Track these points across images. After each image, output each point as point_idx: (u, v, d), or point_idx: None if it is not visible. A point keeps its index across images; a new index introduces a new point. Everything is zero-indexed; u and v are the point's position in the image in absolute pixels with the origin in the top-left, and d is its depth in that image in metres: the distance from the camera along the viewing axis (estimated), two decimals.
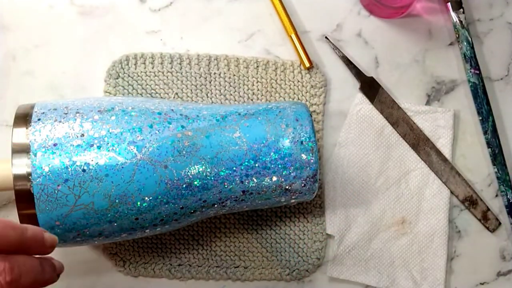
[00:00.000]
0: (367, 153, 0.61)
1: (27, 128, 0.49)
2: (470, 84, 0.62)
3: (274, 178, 0.52)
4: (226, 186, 0.51)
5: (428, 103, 0.63)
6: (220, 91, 0.61)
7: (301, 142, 0.51)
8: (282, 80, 0.61)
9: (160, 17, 0.62)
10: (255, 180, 0.51)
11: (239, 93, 0.61)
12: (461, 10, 0.62)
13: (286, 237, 0.60)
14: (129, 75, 0.61)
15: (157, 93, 0.61)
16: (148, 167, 0.49)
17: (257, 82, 0.61)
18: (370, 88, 0.62)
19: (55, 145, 0.48)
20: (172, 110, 0.52)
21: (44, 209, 0.48)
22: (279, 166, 0.51)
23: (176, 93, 0.61)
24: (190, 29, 0.62)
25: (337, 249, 0.60)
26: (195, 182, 0.50)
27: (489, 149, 0.61)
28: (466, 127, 0.62)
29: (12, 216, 0.59)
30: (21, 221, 0.48)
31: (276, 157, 0.51)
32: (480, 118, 0.61)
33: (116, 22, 0.62)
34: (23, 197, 0.48)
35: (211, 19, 0.62)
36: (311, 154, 0.51)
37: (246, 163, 0.51)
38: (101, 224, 0.49)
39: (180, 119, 0.51)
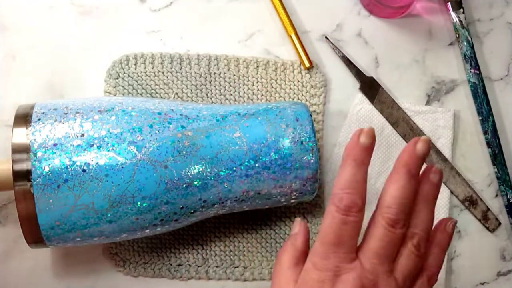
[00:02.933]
0: None
1: (27, 128, 0.49)
2: (470, 84, 0.62)
3: (274, 178, 0.52)
4: (226, 186, 0.51)
5: (428, 103, 0.63)
6: (220, 91, 0.61)
7: (301, 142, 0.51)
8: (282, 80, 0.61)
9: (160, 17, 0.62)
10: (255, 180, 0.51)
11: (239, 93, 0.61)
12: (461, 10, 0.62)
13: (286, 237, 0.60)
14: (129, 75, 0.61)
15: (157, 93, 0.61)
16: (148, 167, 0.49)
17: (257, 82, 0.61)
18: (370, 88, 0.62)
19: (55, 145, 0.48)
20: (172, 110, 0.52)
21: (44, 209, 0.48)
22: (279, 166, 0.51)
23: (176, 93, 0.61)
24: (190, 29, 0.62)
25: None
26: (195, 182, 0.50)
27: (489, 149, 0.61)
28: (466, 127, 0.62)
29: (12, 216, 0.59)
30: (21, 221, 0.48)
31: (276, 157, 0.51)
32: (480, 118, 0.61)
33: (116, 22, 0.62)
34: (23, 197, 0.48)
35: (211, 19, 0.62)
36: (311, 154, 0.51)
37: (246, 163, 0.51)
38: (101, 224, 0.49)
39: (180, 119, 0.51)
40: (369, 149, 0.45)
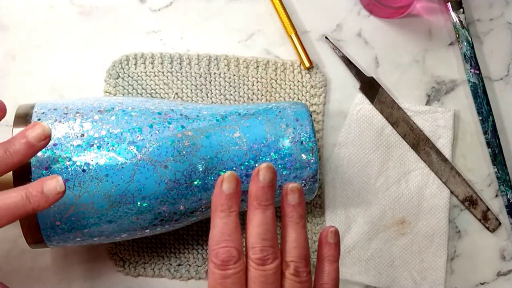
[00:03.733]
0: (367, 153, 0.61)
1: None
2: (470, 84, 0.62)
3: None
4: None
5: (428, 103, 0.63)
6: (220, 91, 0.61)
7: (301, 142, 0.51)
8: (282, 80, 0.61)
9: (160, 17, 0.62)
10: None
11: (239, 93, 0.61)
12: (461, 10, 0.62)
13: None
14: (129, 75, 0.61)
15: (157, 93, 0.61)
16: (148, 167, 0.49)
17: (257, 82, 0.61)
18: (370, 88, 0.62)
19: (55, 145, 0.48)
20: (172, 110, 0.52)
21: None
22: (279, 166, 0.51)
23: (176, 93, 0.61)
24: (190, 29, 0.62)
25: None
26: (195, 182, 0.50)
27: (489, 149, 0.61)
28: (466, 127, 0.62)
29: None
30: (21, 221, 0.48)
31: (276, 157, 0.51)
32: (480, 118, 0.61)
33: (116, 22, 0.62)
34: None
35: (211, 19, 0.62)
36: (311, 154, 0.51)
37: (246, 163, 0.51)
38: (101, 224, 0.49)
39: (180, 119, 0.51)
40: (234, 194, 0.44)
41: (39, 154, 0.48)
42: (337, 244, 0.47)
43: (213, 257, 0.43)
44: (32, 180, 0.47)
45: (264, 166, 0.44)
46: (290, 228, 0.45)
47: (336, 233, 0.46)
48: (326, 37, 0.62)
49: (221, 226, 0.44)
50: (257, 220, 0.44)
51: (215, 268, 0.43)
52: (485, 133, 0.61)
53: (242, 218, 0.60)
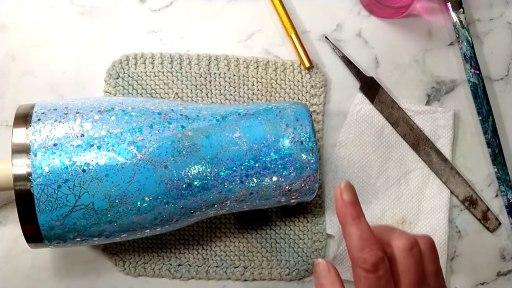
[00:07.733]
0: (367, 153, 0.61)
1: (27, 128, 0.49)
2: (470, 84, 0.62)
3: (274, 178, 0.52)
4: (226, 186, 0.51)
5: (428, 103, 0.63)
6: (220, 91, 0.61)
7: (301, 142, 0.51)
8: (282, 80, 0.61)
9: (160, 17, 0.62)
10: (255, 180, 0.51)
11: (239, 93, 0.61)
12: (461, 10, 0.62)
13: (286, 237, 0.60)
14: (129, 75, 0.61)
15: (157, 93, 0.61)
16: (148, 167, 0.49)
17: (257, 82, 0.61)
18: (370, 88, 0.62)
19: (55, 145, 0.48)
20: (172, 110, 0.52)
21: (44, 209, 0.48)
22: (279, 166, 0.51)
23: (176, 93, 0.61)
24: (190, 29, 0.62)
25: (337, 249, 0.60)
26: (195, 182, 0.50)
27: (489, 149, 0.61)
28: (466, 127, 0.62)
29: (12, 216, 0.59)
30: (21, 221, 0.48)
31: (276, 157, 0.51)
32: (480, 118, 0.61)
33: (116, 22, 0.62)
34: (23, 197, 0.48)
35: (211, 19, 0.62)
36: (311, 154, 0.51)
37: (246, 163, 0.51)
38: (101, 224, 0.49)
39: (180, 119, 0.51)
40: (356, 200, 0.46)
41: (39, 154, 0.48)
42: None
43: (361, 263, 0.44)
44: (32, 180, 0.47)
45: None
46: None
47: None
48: (326, 37, 0.62)
49: (358, 233, 0.45)
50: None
51: (367, 273, 0.44)
52: (485, 133, 0.61)
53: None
